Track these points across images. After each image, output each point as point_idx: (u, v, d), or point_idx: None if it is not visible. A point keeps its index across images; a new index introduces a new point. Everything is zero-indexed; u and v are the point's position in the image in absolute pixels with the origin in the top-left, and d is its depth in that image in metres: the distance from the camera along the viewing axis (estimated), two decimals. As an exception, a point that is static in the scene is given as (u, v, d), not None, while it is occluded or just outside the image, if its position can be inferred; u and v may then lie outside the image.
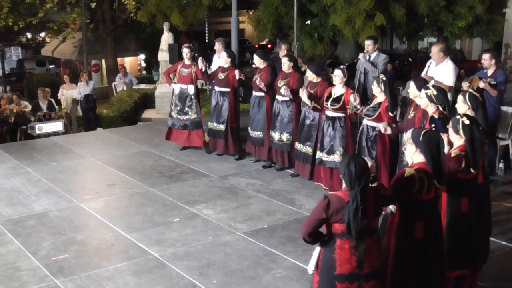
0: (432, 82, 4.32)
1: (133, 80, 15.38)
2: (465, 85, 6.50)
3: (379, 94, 5.31)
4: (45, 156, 7.69)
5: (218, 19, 22.62)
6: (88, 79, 11.89)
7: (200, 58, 7.39)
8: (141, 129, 10.01)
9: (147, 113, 12.89)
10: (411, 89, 4.87)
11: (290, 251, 4.70)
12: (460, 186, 3.57)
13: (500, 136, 6.90)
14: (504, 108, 6.91)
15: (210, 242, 4.89)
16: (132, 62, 24.10)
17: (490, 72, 6.41)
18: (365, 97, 5.60)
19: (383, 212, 3.40)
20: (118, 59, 20.08)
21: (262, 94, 6.89)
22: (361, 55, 7.06)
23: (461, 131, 3.65)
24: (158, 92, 12.41)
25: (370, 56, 7.02)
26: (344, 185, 3.05)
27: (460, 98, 4.18)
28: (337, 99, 5.83)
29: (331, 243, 3.04)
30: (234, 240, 4.93)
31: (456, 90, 6.41)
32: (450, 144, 3.53)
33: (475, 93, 4.14)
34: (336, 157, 5.86)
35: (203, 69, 7.29)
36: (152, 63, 22.40)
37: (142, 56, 24.01)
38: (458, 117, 3.73)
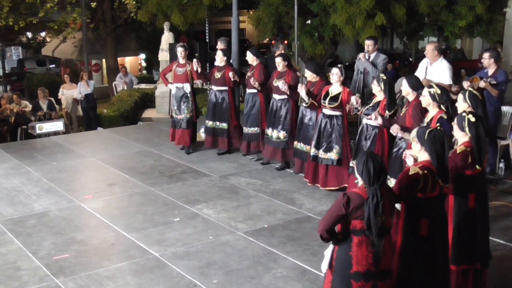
0: (460, 96, 4.32)
1: (134, 79, 15.38)
2: (466, 84, 6.51)
3: (378, 93, 5.33)
4: (45, 156, 7.69)
5: (218, 19, 22.62)
6: (88, 79, 11.89)
7: (194, 60, 7.42)
8: (142, 129, 10.01)
9: (148, 113, 12.90)
10: (404, 87, 4.90)
11: (290, 250, 4.70)
12: (467, 182, 3.59)
13: (500, 135, 6.90)
14: (504, 108, 6.91)
15: (211, 242, 4.89)
16: (133, 61, 24.10)
17: (490, 71, 6.41)
18: (363, 96, 5.62)
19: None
20: (119, 59, 20.08)
21: (255, 91, 7.01)
22: (361, 55, 7.07)
23: (466, 128, 3.69)
24: (158, 91, 12.41)
25: (370, 56, 7.02)
26: (360, 183, 3.06)
27: (460, 96, 4.19)
28: (334, 98, 5.87)
29: (347, 241, 3.04)
30: (235, 240, 4.93)
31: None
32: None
33: (475, 92, 4.16)
34: (332, 155, 5.91)
35: (199, 70, 7.33)
36: (152, 63, 22.41)
37: (142, 56, 24.02)
38: (463, 114, 3.76)
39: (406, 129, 4.64)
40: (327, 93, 5.94)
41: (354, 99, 5.53)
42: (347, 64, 19.48)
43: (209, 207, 5.70)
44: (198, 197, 6.00)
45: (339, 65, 6.09)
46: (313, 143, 6.04)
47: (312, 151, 6.05)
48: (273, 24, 11.03)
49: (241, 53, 8.39)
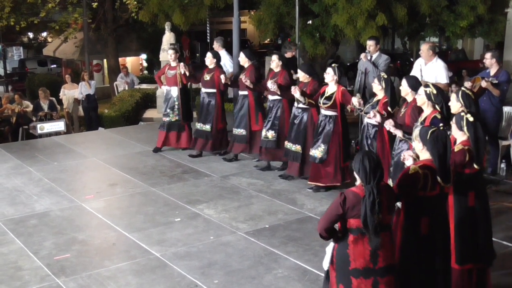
0: (454, 95, 4.34)
1: (135, 80, 15.38)
2: (467, 84, 6.50)
3: (379, 92, 5.35)
4: (46, 156, 7.70)
5: (219, 19, 22.61)
6: (89, 79, 11.90)
7: (181, 64, 7.40)
8: (143, 129, 10.02)
9: (149, 113, 12.89)
10: (403, 87, 4.91)
11: (291, 251, 4.69)
12: (466, 180, 3.61)
13: (502, 136, 6.90)
14: (506, 108, 6.90)
15: (212, 242, 4.89)
16: (134, 62, 24.11)
17: (492, 71, 6.40)
18: (394, 102, 5.58)
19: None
20: (120, 59, 20.09)
21: (245, 92, 7.00)
22: (362, 55, 7.06)
23: (465, 128, 3.71)
24: (159, 92, 12.39)
25: (371, 57, 7.02)
26: (358, 181, 3.09)
27: (453, 96, 4.23)
28: (328, 97, 5.90)
29: (344, 239, 3.08)
30: (236, 240, 4.93)
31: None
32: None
33: (467, 91, 4.20)
34: (316, 153, 5.95)
35: (187, 74, 7.32)
36: (153, 63, 22.41)
37: (143, 56, 24.02)
38: (462, 114, 3.78)
39: (399, 126, 4.69)
40: (324, 93, 5.98)
41: (356, 101, 5.54)
42: (348, 64, 19.46)
43: (210, 207, 5.70)
44: (199, 197, 5.99)
45: (333, 65, 6.13)
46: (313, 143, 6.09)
47: (311, 150, 6.10)
48: (274, 25, 11.02)
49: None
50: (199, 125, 7.38)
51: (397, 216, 3.38)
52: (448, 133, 3.63)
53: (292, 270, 4.37)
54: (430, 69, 6.54)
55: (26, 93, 17.01)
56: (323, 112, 5.96)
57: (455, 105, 4.15)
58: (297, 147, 6.26)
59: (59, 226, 5.28)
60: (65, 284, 4.20)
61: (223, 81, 7.07)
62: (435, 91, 4.33)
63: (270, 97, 6.68)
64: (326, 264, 3.23)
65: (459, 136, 3.75)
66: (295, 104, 6.31)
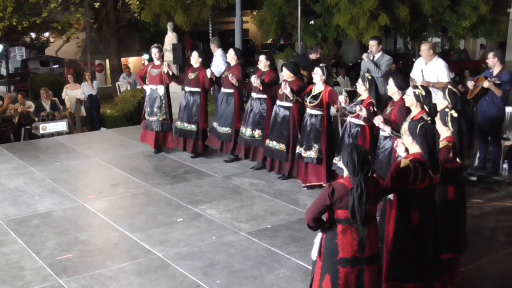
0: (440, 93, 4.39)
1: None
2: (470, 84, 6.50)
3: (363, 92, 5.47)
4: (49, 156, 7.71)
5: (221, 19, 22.62)
6: (92, 79, 11.91)
7: (165, 63, 7.39)
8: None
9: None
10: (390, 86, 4.99)
11: (293, 251, 4.69)
12: (447, 175, 3.71)
13: (504, 136, 6.88)
14: (508, 108, 6.88)
15: (214, 242, 4.89)
16: (136, 62, 24.12)
17: (495, 71, 6.39)
18: (378, 102, 5.62)
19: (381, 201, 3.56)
20: (122, 59, 20.11)
21: (231, 90, 7.00)
22: (365, 56, 7.05)
23: (449, 123, 3.89)
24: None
25: (374, 57, 7.01)
26: (346, 174, 3.19)
27: (440, 94, 4.34)
28: (315, 96, 5.97)
29: (332, 229, 3.18)
30: (238, 240, 4.93)
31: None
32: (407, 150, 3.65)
33: (454, 89, 4.33)
34: (312, 153, 5.99)
35: (170, 73, 7.32)
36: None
37: (146, 56, 24.01)
38: (446, 110, 3.97)
39: (388, 122, 4.76)
40: (310, 92, 6.05)
41: (342, 98, 5.63)
42: (350, 64, 19.44)
43: (212, 208, 5.70)
44: (201, 198, 6.00)
45: (321, 65, 6.18)
46: (299, 141, 6.15)
47: (297, 148, 6.16)
48: (276, 25, 11.04)
49: (244, 53, 8.39)
50: (182, 124, 7.30)
51: (390, 208, 3.51)
52: None
53: (294, 270, 4.37)
54: (431, 68, 6.54)
55: (28, 93, 17.05)
56: (309, 111, 6.03)
57: (442, 102, 4.28)
58: (281, 146, 6.32)
59: (61, 226, 5.28)
60: (67, 284, 4.21)
61: (208, 75, 7.00)
62: (424, 93, 4.42)
63: (255, 95, 6.71)
64: (314, 255, 3.31)
65: (443, 131, 3.89)
66: (277, 102, 6.38)
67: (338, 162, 5.64)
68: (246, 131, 6.74)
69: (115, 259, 4.62)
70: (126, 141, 8.57)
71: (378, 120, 4.75)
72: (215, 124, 7.34)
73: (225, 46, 8.65)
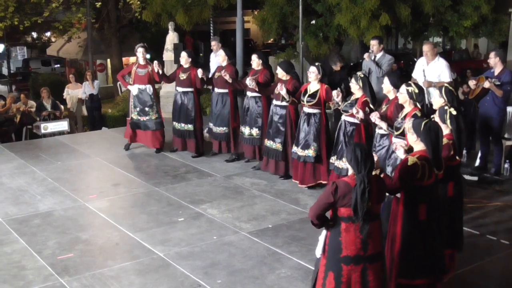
0: (433, 88, 4.45)
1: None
2: (471, 83, 6.49)
3: (357, 91, 5.51)
4: (50, 156, 7.72)
5: (223, 19, 22.62)
6: (93, 79, 11.91)
7: (155, 62, 7.43)
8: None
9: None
10: (385, 84, 5.06)
11: (294, 251, 4.69)
12: (447, 172, 3.75)
13: (506, 136, 6.87)
14: (510, 108, 6.88)
15: (215, 242, 4.90)
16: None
17: (497, 71, 6.38)
18: (374, 99, 5.64)
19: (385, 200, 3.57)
20: (123, 59, 20.12)
21: (226, 90, 7.10)
22: (366, 55, 7.05)
23: (448, 121, 3.95)
24: (162, 91, 12.40)
25: (375, 56, 7.01)
26: (350, 172, 3.22)
27: (436, 92, 4.38)
28: (312, 95, 6.01)
29: (336, 227, 3.21)
30: (239, 240, 4.93)
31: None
32: (410, 148, 3.73)
33: (450, 88, 4.38)
34: (310, 152, 6.01)
35: (160, 72, 7.36)
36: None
37: (147, 56, 24.04)
38: (446, 108, 4.02)
39: (384, 119, 4.82)
40: (306, 91, 6.08)
41: (335, 93, 5.67)
42: (352, 64, 19.43)
43: (214, 207, 5.70)
44: (202, 197, 6.00)
45: (316, 63, 6.24)
46: (295, 141, 6.18)
47: (293, 148, 6.19)
48: (277, 24, 11.04)
49: (245, 53, 8.39)
50: (180, 125, 7.41)
51: (396, 205, 3.55)
52: None
53: (295, 270, 4.37)
54: (433, 68, 6.54)
55: (30, 93, 17.07)
56: (307, 110, 6.05)
57: (438, 100, 4.32)
58: (277, 145, 6.38)
59: (62, 225, 5.29)
60: (68, 283, 4.21)
61: (200, 75, 7.08)
62: (417, 90, 4.49)
63: (250, 94, 6.79)
64: (318, 252, 3.34)
65: (442, 128, 3.90)
66: (274, 101, 6.44)
67: (334, 161, 5.68)
68: (245, 130, 6.84)
69: (116, 258, 4.62)
70: (127, 141, 8.56)
71: (374, 116, 4.81)
72: (210, 125, 7.39)
73: (226, 46, 8.66)
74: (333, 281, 3.20)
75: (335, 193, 3.14)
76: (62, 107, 11.40)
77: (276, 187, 6.31)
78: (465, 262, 4.33)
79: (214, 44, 8.29)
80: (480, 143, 6.77)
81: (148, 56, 7.96)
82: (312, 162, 6.03)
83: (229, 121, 7.09)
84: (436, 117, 4.01)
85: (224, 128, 7.13)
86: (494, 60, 6.37)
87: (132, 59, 23.31)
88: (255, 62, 6.81)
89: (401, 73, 12.78)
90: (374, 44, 7.05)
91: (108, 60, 20.72)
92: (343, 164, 5.49)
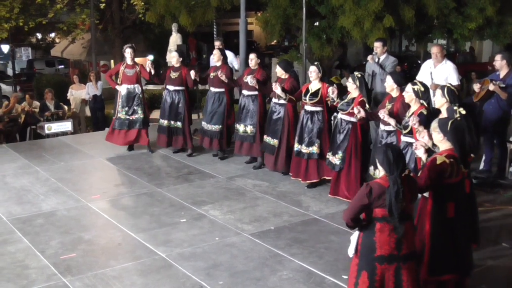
0: (439, 91, 4.45)
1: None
2: (476, 86, 6.46)
3: (353, 90, 5.62)
4: (53, 156, 7.74)
5: (226, 20, 22.63)
6: (96, 80, 11.95)
7: (148, 61, 7.57)
8: (149, 130, 10.00)
9: (155, 114, 12.83)
10: (388, 83, 5.14)
11: (296, 253, 4.68)
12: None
13: (510, 139, 6.84)
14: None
15: (217, 243, 4.89)
16: (141, 62, 24.15)
17: (502, 74, 6.35)
18: (369, 99, 5.68)
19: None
20: (127, 60, 20.17)
21: (222, 90, 7.24)
22: (369, 57, 7.04)
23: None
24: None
25: (379, 58, 6.99)
26: (381, 173, 3.27)
27: (438, 92, 4.42)
28: (314, 94, 6.11)
29: (370, 227, 3.27)
30: (241, 241, 4.92)
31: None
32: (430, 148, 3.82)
33: (452, 87, 4.43)
34: (314, 149, 6.10)
35: (153, 72, 7.49)
36: (160, 64, 22.45)
37: (150, 57, 24.07)
38: (455, 107, 4.05)
39: (392, 116, 4.92)
40: (307, 90, 6.18)
41: (330, 90, 5.79)
42: (355, 66, 19.39)
43: (216, 208, 5.70)
44: (204, 198, 6.00)
45: (316, 63, 6.36)
46: (296, 138, 6.24)
47: (296, 146, 6.24)
48: (281, 26, 11.03)
49: (247, 54, 8.42)
50: (169, 122, 7.49)
51: (425, 203, 3.60)
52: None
53: (297, 272, 4.36)
54: (440, 71, 6.52)
55: (34, 93, 17.12)
56: (309, 108, 6.14)
57: (440, 100, 4.36)
58: (274, 141, 6.48)
59: (65, 225, 5.30)
60: (71, 283, 4.22)
61: (192, 77, 7.20)
62: (422, 89, 4.56)
63: (246, 92, 6.91)
64: (351, 252, 3.39)
65: (442, 144, 3.94)
66: (273, 99, 6.55)
67: (330, 156, 5.80)
68: (240, 127, 6.97)
69: (119, 259, 4.63)
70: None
71: (383, 113, 4.91)
72: (203, 123, 7.45)
73: (229, 47, 8.69)
74: (367, 280, 3.25)
75: (369, 194, 3.20)
76: (65, 107, 11.44)
77: (278, 188, 6.31)
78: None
79: (218, 44, 8.32)
80: (484, 146, 6.74)
81: (151, 57, 8.07)
82: (316, 158, 6.09)
83: (224, 119, 7.22)
84: (446, 116, 4.06)
85: (219, 126, 7.24)
86: (500, 63, 6.33)
87: (136, 60, 23.38)
88: (254, 60, 6.92)
89: (405, 75, 12.74)
90: (377, 46, 7.04)
91: (112, 61, 20.76)
92: (336, 160, 5.68)
